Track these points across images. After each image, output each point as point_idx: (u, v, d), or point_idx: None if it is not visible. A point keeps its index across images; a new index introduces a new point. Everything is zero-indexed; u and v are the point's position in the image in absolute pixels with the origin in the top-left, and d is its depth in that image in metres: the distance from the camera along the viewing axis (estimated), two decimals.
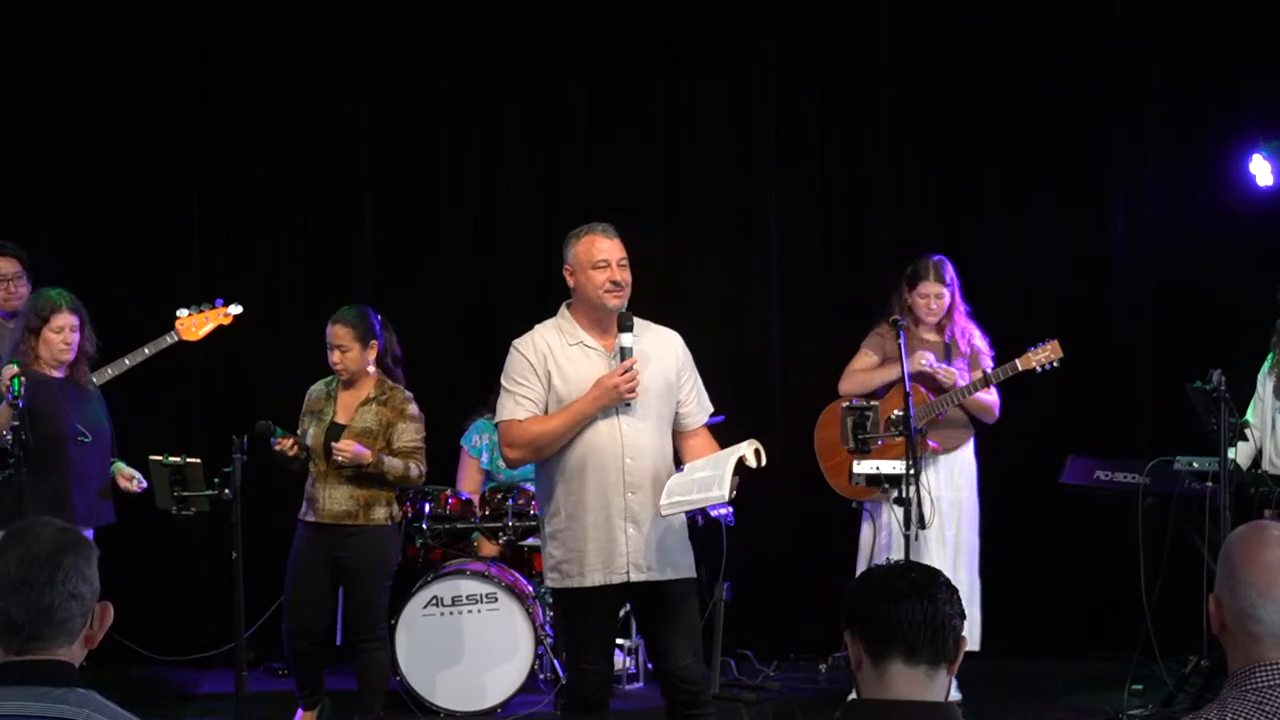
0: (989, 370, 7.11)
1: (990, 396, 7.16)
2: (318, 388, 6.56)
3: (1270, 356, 6.90)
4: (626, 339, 5.07)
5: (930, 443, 6.92)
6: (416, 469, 6.40)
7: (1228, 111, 8.25)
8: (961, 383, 7.05)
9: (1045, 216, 8.58)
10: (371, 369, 6.46)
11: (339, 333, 6.42)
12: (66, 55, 8.48)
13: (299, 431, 6.48)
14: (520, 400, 5.13)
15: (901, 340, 6.62)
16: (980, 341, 7.25)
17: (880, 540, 7.12)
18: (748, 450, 4.92)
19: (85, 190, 8.42)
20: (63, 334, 6.37)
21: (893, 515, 6.91)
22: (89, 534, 6.19)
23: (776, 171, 8.61)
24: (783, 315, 8.60)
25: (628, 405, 5.05)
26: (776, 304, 8.58)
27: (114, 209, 8.41)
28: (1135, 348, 8.46)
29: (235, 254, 8.56)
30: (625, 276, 5.14)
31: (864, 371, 7.22)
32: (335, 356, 6.41)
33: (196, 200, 8.57)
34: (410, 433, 6.43)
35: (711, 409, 5.38)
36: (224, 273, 8.42)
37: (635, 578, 5.05)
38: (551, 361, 5.13)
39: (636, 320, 5.18)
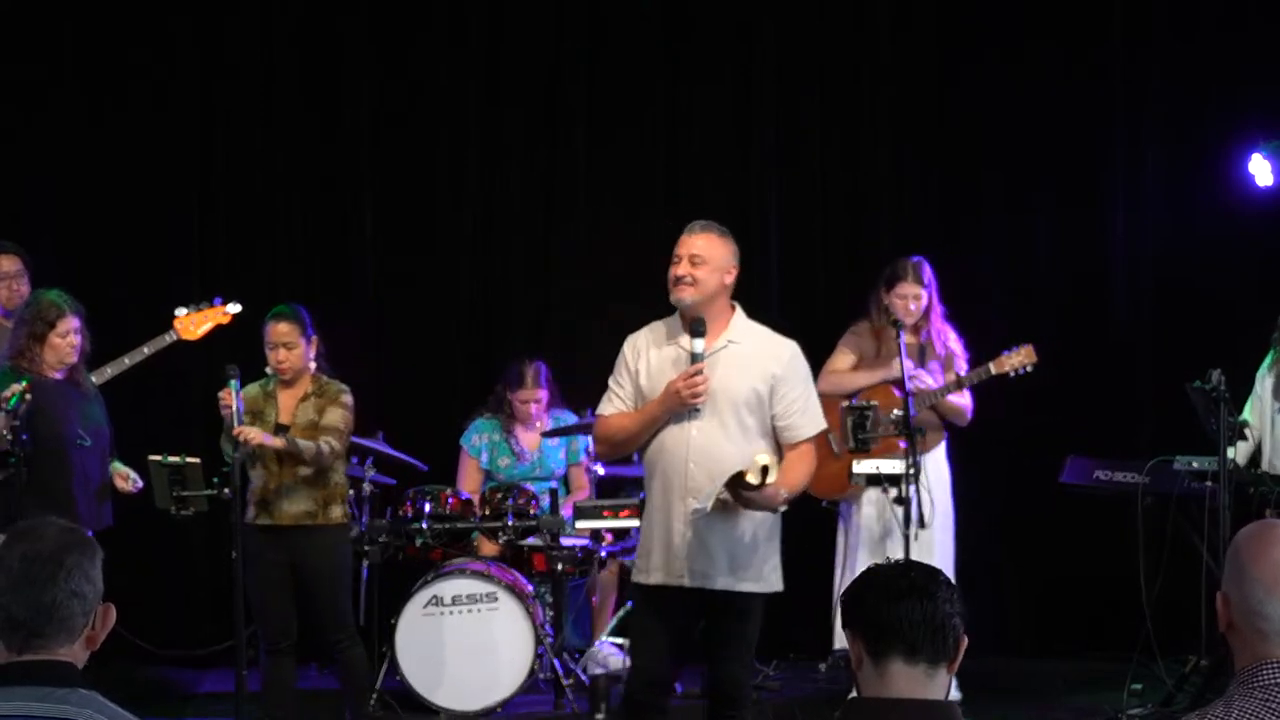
0: (963, 373, 7.11)
1: (963, 400, 7.15)
2: (252, 389, 6.34)
3: (1269, 355, 6.90)
4: (697, 344, 5.03)
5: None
6: (327, 447, 6.18)
7: (1228, 111, 8.26)
8: (934, 385, 7.05)
9: (1045, 216, 8.58)
10: (312, 365, 6.37)
11: (284, 330, 6.27)
12: (66, 55, 8.48)
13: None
14: (611, 396, 5.19)
15: (901, 340, 6.63)
16: (955, 344, 7.24)
17: (851, 541, 7.13)
18: (750, 466, 4.87)
19: (85, 190, 8.42)
20: (69, 338, 6.36)
21: (865, 515, 6.94)
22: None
23: (776, 171, 8.61)
24: (783, 315, 8.58)
25: (697, 410, 5.00)
26: (776, 304, 8.57)
27: (114, 209, 8.41)
28: (1135, 348, 8.46)
29: (235, 254, 8.56)
30: (694, 272, 5.08)
31: (842, 372, 7.20)
32: (280, 355, 6.25)
33: (196, 200, 8.57)
34: (337, 415, 6.27)
35: (821, 426, 5.22)
36: (224, 273, 8.41)
37: (690, 583, 5.01)
38: (643, 359, 5.14)
39: (749, 324, 5.17)
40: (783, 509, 5.06)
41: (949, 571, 7.10)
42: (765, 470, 4.86)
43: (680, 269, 5.09)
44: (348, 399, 6.34)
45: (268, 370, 6.34)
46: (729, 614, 5.07)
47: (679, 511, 5.02)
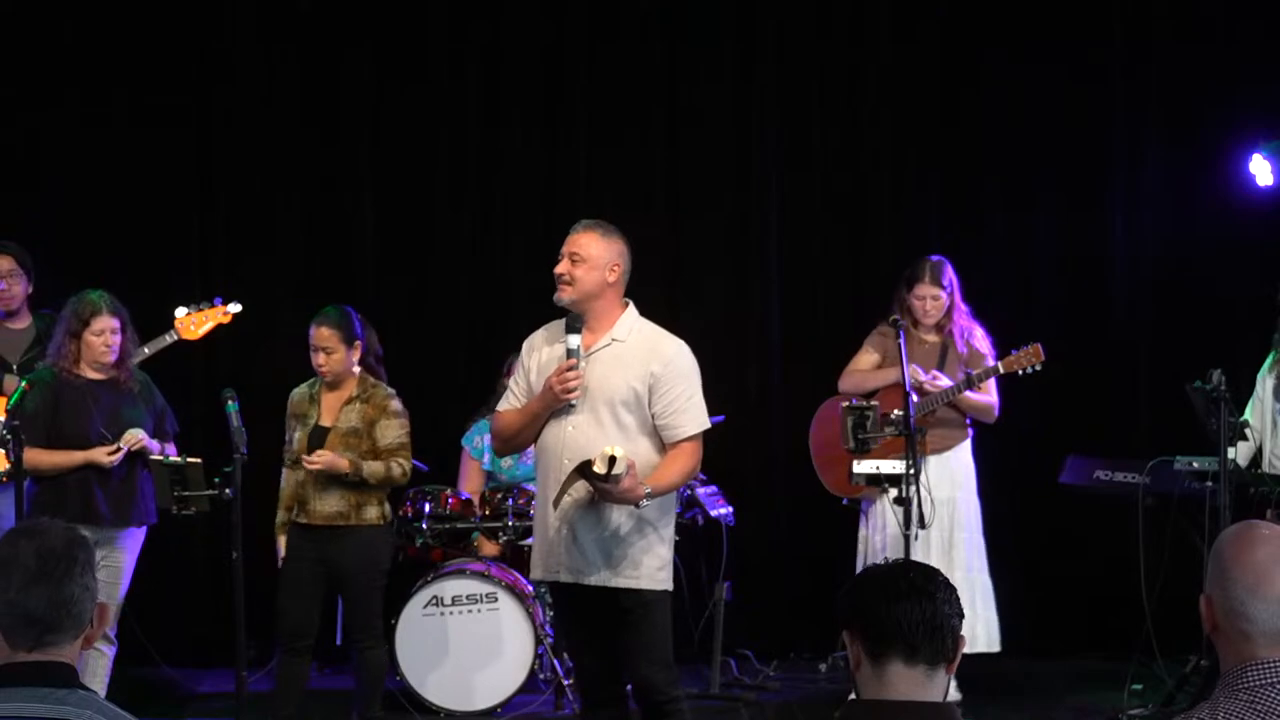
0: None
1: (986, 397, 7.15)
2: (300, 391, 6.45)
3: (1270, 356, 6.90)
4: (572, 340, 5.03)
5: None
6: (399, 468, 6.32)
7: (1228, 111, 8.26)
8: (948, 385, 7.05)
9: (1045, 217, 8.58)
10: (356, 369, 6.41)
11: (324, 335, 6.32)
12: (67, 55, 8.48)
13: (286, 437, 6.44)
14: (508, 393, 5.24)
15: (901, 340, 6.63)
16: (981, 343, 7.25)
17: (876, 540, 7.13)
18: (598, 455, 4.80)
19: (85, 190, 8.42)
20: (103, 337, 6.34)
21: (887, 514, 6.92)
22: (140, 533, 6.24)
23: (776, 171, 8.61)
24: (783, 315, 8.60)
25: (572, 407, 5.01)
26: (777, 305, 8.58)
27: (114, 209, 8.40)
28: (1135, 348, 8.47)
29: (235, 254, 8.55)
30: (573, 271, 5.06)
31: (864, 371, 7.24)
32: (320, 359, 6.32)
33: (196, 200, 8.57)
34: (394, 429, 6.35)
35: (704, 425, 5.12)
36: (224, 273, 8.41)
37: (565, 579, 5.02)
38: (534, 357, 5.18)
39: (639, 323, 5.13)
40: (645, 505, 4.93)
41: (983, 572, 7.13)
42: (613, 460, 4.78)
43: (560, 267, 5.10)
44: (396, 405, 6.40)
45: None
46: (618, 612, 5.02)
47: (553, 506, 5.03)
